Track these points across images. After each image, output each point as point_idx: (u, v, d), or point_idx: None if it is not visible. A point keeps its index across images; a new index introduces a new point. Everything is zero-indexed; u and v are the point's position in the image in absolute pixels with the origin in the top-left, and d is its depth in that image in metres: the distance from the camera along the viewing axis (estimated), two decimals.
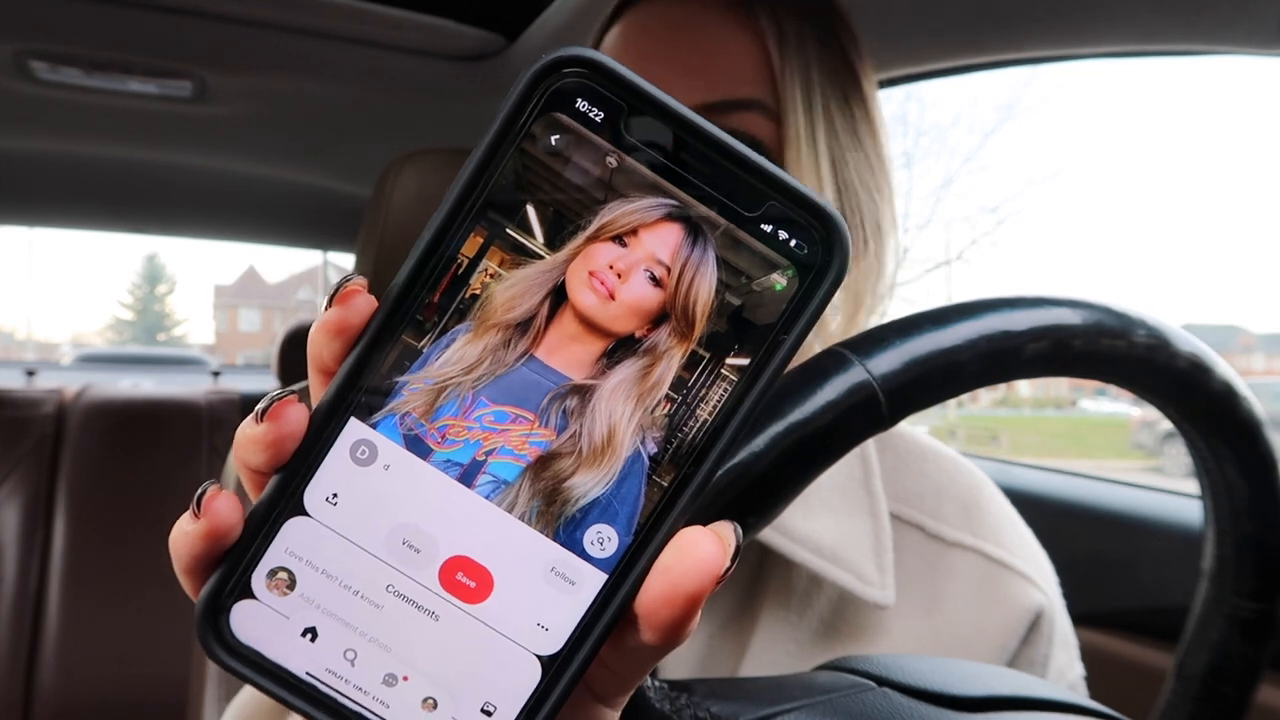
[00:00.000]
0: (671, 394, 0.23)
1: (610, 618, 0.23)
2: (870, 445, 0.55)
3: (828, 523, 0.50)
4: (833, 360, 0.30)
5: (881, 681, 0.35)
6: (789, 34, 0.47)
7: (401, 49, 1.22)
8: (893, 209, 0.52)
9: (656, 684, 0.32)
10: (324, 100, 1.40)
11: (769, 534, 0.49)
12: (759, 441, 0.29)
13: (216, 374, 2.53)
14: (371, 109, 1.42)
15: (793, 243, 0.23)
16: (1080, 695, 0.37)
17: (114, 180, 1.83)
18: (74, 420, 1.67)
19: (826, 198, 0.45)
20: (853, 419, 0.30)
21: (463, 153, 1.08)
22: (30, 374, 2.43)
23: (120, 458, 1.66)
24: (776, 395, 0.29)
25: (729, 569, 0.22)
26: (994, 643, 0.52)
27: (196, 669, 1.02)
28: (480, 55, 1.24)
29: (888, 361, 0.30)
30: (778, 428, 0.29)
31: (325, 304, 0.23)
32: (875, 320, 0.55)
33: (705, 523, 0.23)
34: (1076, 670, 0.57)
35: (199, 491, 0.22)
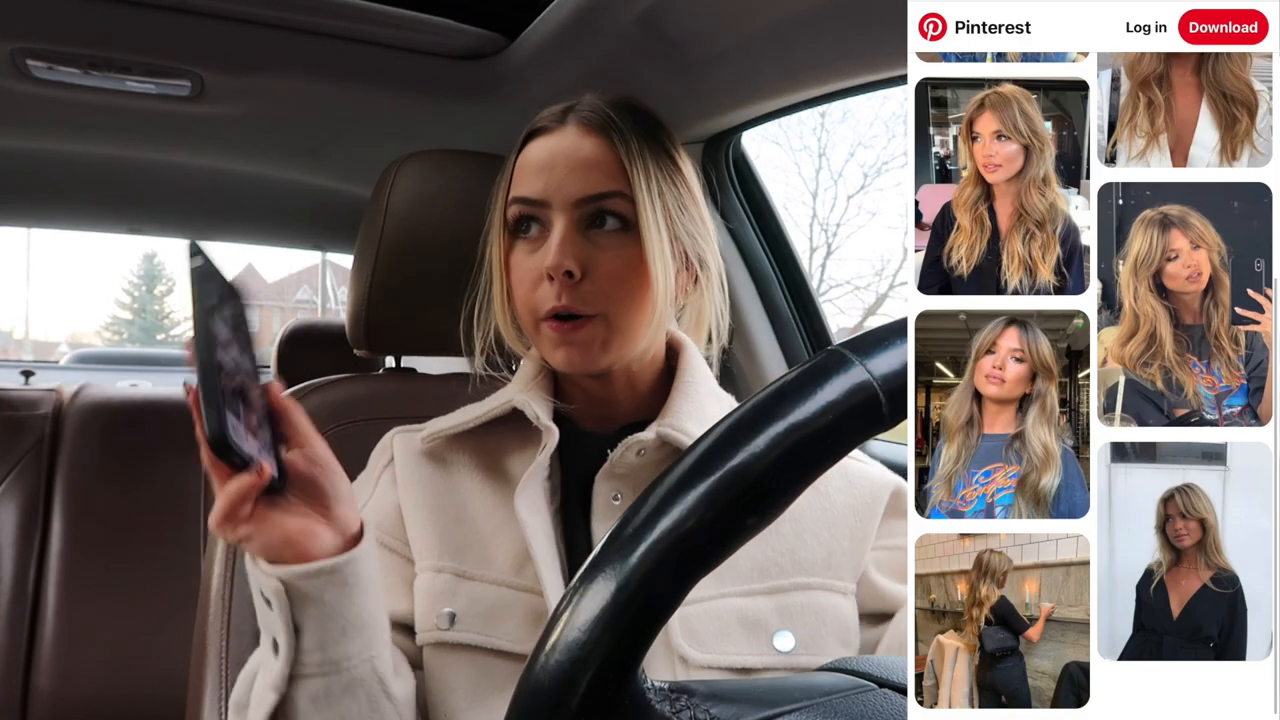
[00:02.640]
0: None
1: None
2: None
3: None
4: (833, 360, 0.30)
5: (882, 683, 0.36)
6: (631, 145, 0.73)
7: (401, 48, 1.22)
8: (713, 248, 0.78)
9: (657, 685, 0.32)
10: (324, 100, 1.40)
11: (674, 434, 0.72)
12: (759, 442, 0.29)
13: None
14: (371, 109, 1.42)
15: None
16: None
17: (112, 180, 1.83)
18: (71, 421, 1.66)
19: (664, 245, 0.71)
20: (853, 419, 0.30)
21: (462, 153, 1.08)
22: (27, 375, 2.42)
23: (118, 458, 1.66)
24: (777, 396, 0.30)
25: None
26: (865, 509, 0.75)
27: (195, 669, 1.01)
28: (480, 54, 1.24)
29: (888, 362, 0.30)
30: (778, 428, 0.29)
31: None
32: (720, 324, 0.80)
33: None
34: None
35: None
